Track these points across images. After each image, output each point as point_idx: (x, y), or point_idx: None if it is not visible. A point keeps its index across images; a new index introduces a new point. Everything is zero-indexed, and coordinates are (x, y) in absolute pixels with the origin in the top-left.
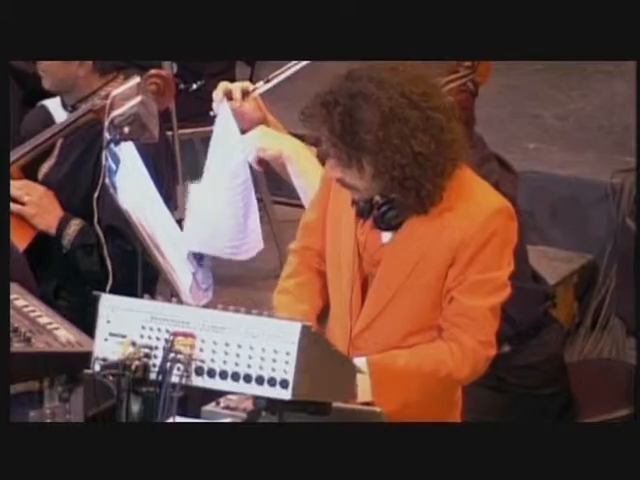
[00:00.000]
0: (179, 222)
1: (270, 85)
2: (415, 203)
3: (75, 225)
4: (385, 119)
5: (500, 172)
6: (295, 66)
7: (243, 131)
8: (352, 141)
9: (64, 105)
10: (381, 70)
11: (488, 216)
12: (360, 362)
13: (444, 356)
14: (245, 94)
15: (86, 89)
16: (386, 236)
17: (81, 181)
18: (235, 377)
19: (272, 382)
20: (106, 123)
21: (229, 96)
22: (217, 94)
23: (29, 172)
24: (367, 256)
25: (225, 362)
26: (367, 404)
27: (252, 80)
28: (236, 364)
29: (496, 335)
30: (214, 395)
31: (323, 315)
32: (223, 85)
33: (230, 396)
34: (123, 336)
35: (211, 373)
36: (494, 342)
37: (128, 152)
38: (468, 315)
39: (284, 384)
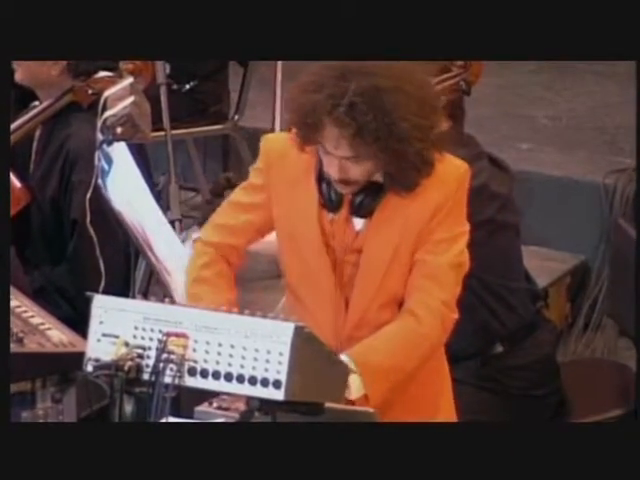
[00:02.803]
0: (172, 223)
1: None
2: (416, 182)
3: None
4: (411, 103)
5: (491, 171)
6: None
7: None
8: (384, 134)
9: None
10: (365, 64)
11: (457, 178)
12: (344, 360)
13: (413, 326)
14: None
15: (57, 88)
16: (358, 223)
17: (48, 188)
18: (228, 377)
19: (265, 382)
20: (99, 124)
21: None
22: None
23: (19, 158)
24: (342, 246)
25: (218, 362)
26: (351, 402)
27: (244, 82)
28: (229, 364)
29: (489, 333)
30: (207, 395)
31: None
32: None
33: (223, 396)
34: (116, 337)
35: (204, 373)
36: (455, 305)
37: (120, 153)
38: (432, 273)
39: (277, 384)
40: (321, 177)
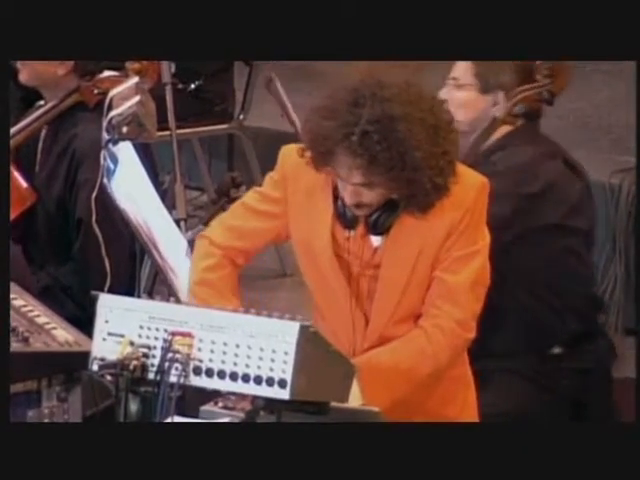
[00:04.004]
0: (177, 222)
1: None
2: (430, 204)
3: None
4: (424, 131)
5: (563, 172)
6: None
7: None
8: (397, 163)
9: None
10: (380, 88)
11: (474, 195)
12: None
13: (422, 343)
14: None
15: (63, 88)
16: (376, 240)
17: (54, 187)
18: (233, 377)
19: (270, 382)
20: (104, 123)
21: None
22: None
23: (24, 158)
24: (359, 261)
25: (223, 362)
26: None
27: (249, 81)
28: (234, 364)
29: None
30: (212, 395)
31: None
32: None
33: (228, 396)
34: (121, 336)
35: (209, 373)
36: (473, 324)
37: (126, 152)
38: (449, 293)
39: (282, 384)
40: (337, 194)
